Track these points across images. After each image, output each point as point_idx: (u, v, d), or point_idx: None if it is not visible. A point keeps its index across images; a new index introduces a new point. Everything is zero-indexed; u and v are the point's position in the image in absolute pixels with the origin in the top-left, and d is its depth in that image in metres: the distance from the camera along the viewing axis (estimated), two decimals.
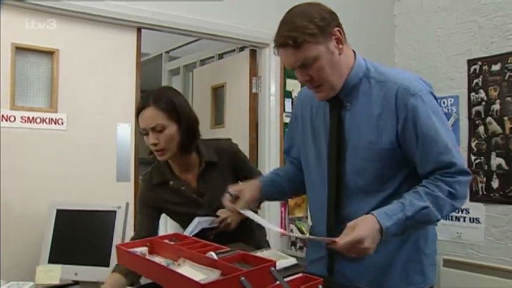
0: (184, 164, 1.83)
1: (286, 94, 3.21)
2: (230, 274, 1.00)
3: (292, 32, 1.30)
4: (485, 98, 3.19)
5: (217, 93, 3.76)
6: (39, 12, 2.41)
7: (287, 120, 3.05)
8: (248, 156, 2.69)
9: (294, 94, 3.20)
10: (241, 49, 3.55)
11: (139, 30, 2.74)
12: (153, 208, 1.86)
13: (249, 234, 1.90)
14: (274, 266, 1.06)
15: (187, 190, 1.83)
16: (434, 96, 1.39)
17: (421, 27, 3.63)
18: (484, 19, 3.23)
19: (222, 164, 1.83)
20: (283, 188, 1.67)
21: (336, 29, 1.35)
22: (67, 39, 2.51)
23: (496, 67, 3.14)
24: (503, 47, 3.11)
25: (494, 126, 3.13)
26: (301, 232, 3.09)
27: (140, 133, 1.77)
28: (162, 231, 2.35)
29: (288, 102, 3.21)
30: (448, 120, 3.31)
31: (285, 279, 1.06)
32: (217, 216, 1.79)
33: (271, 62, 3.18)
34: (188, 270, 1.11)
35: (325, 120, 1.49)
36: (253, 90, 3.29)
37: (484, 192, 3.18)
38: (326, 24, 1.32)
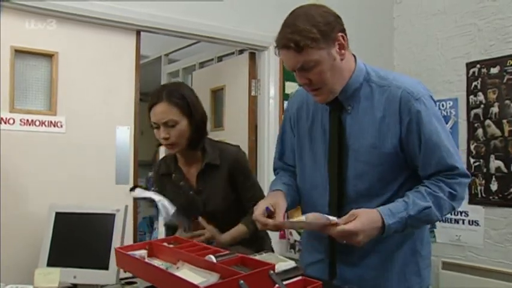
0: (188, 158, 1.86)
1: (285, 97, 3.20)
2: (229, 277, 1.01)
3: (294, 34, 1.28)
4: (484, 101, 3.19)
5: (217, 95, 3.75)
6: (38, 15, 2.41)
7: None
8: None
9: None
10: (241, 52, 3.54)
11: (138, 33, 2.74)
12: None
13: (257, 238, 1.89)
14: (273, 269, 1.06)
15: (186, 186, 1.86)
16: (434, 101, 1.41)
17: (420, 30, 3.63)
18: (483, 22, 3.23)
19: (223, 169, 1.83)
20: (297, 195, 1.58)
21: (340, 34, 1.33)
22: (66, 42, 2.51)
23: (494, 70, 3.14)
24: (502, 49, 3.12)
25: (493, 129, 3.13)
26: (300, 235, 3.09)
27: (151, 126, 1.78)
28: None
29: None
30: (447, 123, 3.31)
31: (284, 283, 1.06)
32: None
33: (271, 65, 3.18)
34: (187, 273, 1.11)
35: (323, 123, 1.48)
36: (253, 93, 3.28)
37: (483, 195, 3.18)
38: (330, 29, 1.31)
